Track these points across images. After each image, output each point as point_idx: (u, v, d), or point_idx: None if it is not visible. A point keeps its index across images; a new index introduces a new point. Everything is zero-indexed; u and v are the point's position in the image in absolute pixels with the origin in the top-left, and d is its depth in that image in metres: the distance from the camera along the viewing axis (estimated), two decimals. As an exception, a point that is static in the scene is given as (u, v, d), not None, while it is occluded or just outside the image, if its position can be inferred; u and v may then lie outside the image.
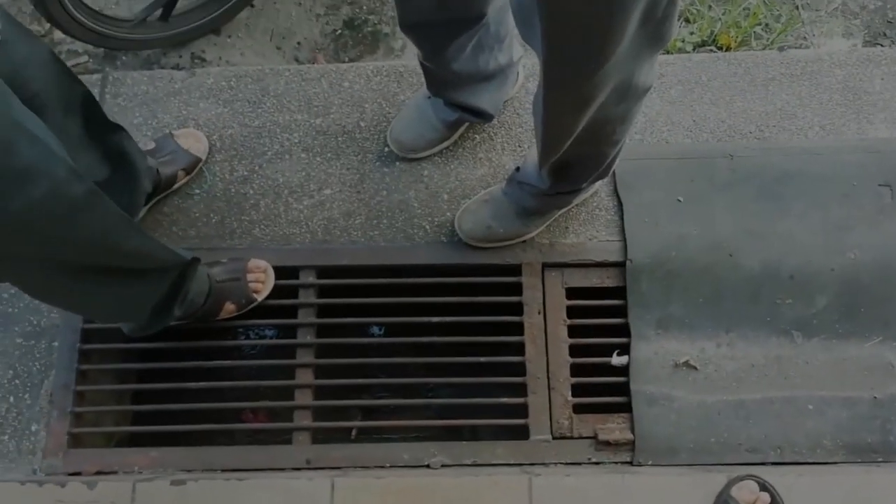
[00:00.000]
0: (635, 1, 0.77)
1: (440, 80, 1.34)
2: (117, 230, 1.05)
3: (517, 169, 1.38)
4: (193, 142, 1.54)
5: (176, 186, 1.53)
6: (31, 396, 1.43)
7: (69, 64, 1.79)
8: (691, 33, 1.73)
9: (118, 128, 1.30)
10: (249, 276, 1.44)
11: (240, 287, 1.42)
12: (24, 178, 0.84)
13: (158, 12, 1.69)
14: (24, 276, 1.04)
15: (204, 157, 1.55)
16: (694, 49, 1.72)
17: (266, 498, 1.25)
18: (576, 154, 1.12)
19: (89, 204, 0.96)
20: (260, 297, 1.45)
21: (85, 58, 1.85)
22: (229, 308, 1.43)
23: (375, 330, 1.71)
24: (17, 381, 1.44)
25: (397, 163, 1.56)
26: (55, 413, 1.41)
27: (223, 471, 1.34)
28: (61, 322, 1.47)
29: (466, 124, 1.53)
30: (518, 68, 1.49)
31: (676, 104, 1.58)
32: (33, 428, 1.41)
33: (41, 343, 1.46)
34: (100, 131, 1.23)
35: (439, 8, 1.13)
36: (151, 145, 1.51)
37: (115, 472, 1.36)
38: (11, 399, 1.43)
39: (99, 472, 1.35)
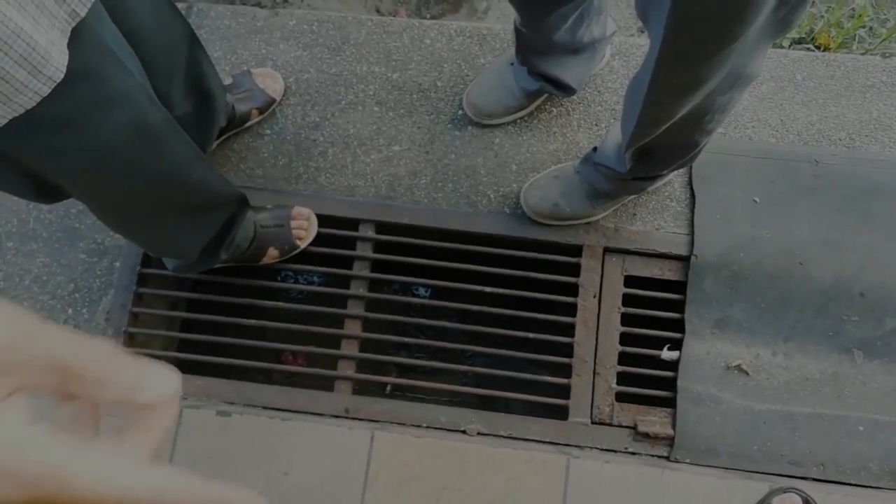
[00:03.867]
0: None
1: (532, 48, 1.30)
2: (186, 161, 1.05)
3: (594, 149, 1.34)
4: (270, 82, 1.54)
5: (248, 124, 1.54)
6: (89, 312, 1.47)
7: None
8: (789, 29, 1.65)
9: (211, 70, 1.29)
10: (293, 223, 1.45)
11: (283, 233, 1.44)
12: (111, 104, 0.85)
13: (247, -53, 1.68)
14: (102, 205, 1.05)
15: (279, 99, 1.55)
16: (790, 45, 1.64)
17: (307, 440, 1.27)
18: (666, 140, 1.08)
19: (164, 132, 0.97)
20: (303, 244, 1.46)
21: (169, -15, 1.85)
22: (272, 253, 1.44)
23: (422, 291, 1.71)
24: (76, 295, 1.48)
25: (469, 127, 1.54)
26: (110, 331, 1.45)
27: (265, 408, 1.37)
28: (125, 243, 1.50)
29: (545, 96, 1.50)
30: (607, 45, 1.44)
31: (766, 101, 1.51)
32: (88, 342, 1.45)
33: (103, 261, 1.50)
34: (194, 71, 1.22)
35: None
36: (229, 80, 1.52)
37: (161, 395, 1.39)
38: (70, 311, 1.47)
39: (147, 393, 1.39)
